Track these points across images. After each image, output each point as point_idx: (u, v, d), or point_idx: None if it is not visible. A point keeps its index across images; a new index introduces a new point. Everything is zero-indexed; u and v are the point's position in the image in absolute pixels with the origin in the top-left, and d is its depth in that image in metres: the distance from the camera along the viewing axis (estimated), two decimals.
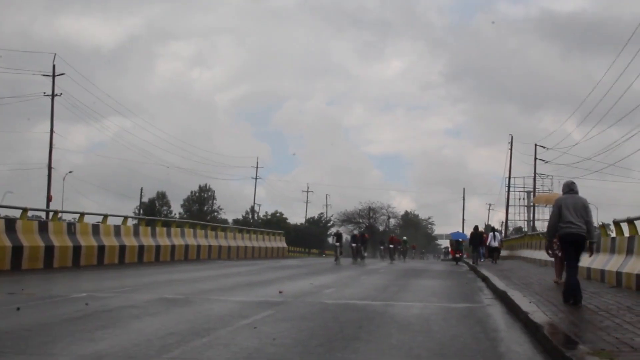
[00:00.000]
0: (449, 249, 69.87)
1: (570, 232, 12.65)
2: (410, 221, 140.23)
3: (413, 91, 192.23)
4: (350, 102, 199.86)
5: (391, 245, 57.17)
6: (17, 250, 21.99)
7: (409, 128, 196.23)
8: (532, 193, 75.82)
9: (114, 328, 10.01)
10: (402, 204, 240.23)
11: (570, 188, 13.14)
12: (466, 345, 9.15)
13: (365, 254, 53.76)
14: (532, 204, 75.72)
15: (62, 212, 33.05)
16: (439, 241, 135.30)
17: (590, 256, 14.60)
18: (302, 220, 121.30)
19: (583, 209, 12.74)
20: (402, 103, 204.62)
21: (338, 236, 51.32)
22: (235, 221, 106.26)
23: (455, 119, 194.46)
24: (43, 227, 24.21)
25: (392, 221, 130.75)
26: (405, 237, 69.93)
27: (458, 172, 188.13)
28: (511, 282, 19.15)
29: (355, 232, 74.93)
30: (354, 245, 50.38)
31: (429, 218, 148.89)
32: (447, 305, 14.79)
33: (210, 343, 8.79)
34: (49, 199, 57.15)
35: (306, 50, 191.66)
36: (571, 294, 12.60)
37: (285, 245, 56.48)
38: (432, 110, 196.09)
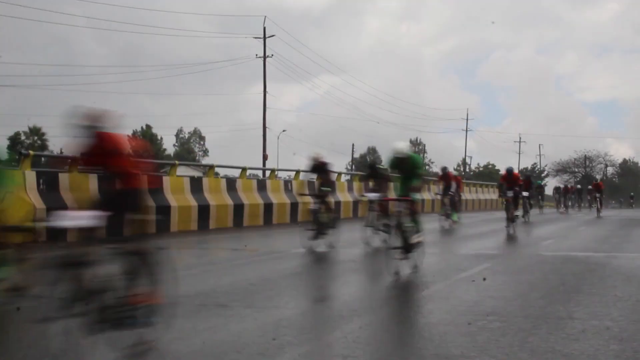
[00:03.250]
0: None
1: None
2: (629, 169, 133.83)
3: (628, 34, 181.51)
4: (561, 50, 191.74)
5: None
6: (238, 208, 22.95)
7: (625, 73, 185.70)
8: None
9: (330, 280, 10.27)
10: (619, 152, 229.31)
11: None
12: None
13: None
14: None
15: (278, 170, 34.15)
16: None
17: None
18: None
19: None
20: (616, 47, 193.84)
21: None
22: None
23: None
24: (261, 185, 25.11)
25: (610, 170, 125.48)
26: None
27: None
28: None
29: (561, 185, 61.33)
30: (556, 196, 48.71)
31: None
32: None
33: (430, 296, 8.83)
34: (264, 157, 59.00)
35: None
36: None
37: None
38: None
